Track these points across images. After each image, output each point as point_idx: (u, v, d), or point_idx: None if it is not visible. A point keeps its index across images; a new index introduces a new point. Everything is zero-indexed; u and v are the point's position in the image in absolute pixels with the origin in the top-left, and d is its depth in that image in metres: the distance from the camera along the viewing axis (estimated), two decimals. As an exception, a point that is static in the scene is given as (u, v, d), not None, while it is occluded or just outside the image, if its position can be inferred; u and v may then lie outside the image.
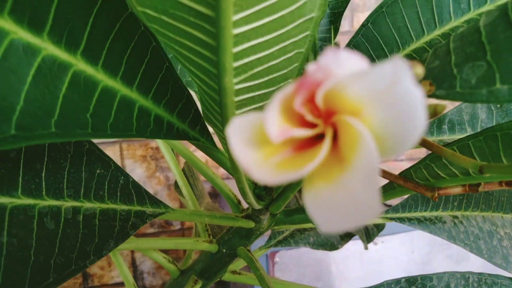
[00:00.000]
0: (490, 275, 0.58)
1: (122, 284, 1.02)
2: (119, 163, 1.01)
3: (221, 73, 0.23)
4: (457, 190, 0.37)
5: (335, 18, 0.42)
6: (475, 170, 0.29)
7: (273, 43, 0.23)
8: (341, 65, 0.14)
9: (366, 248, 0.74)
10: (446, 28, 0.37)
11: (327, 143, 0.15)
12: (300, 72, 0.26)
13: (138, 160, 1.19)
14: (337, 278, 1.15)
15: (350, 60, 0.14)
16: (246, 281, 0.52)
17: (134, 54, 0.26)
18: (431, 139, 0.51)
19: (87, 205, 0.33)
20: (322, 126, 0.16)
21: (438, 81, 0.21)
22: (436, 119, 0.52)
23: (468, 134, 0.50)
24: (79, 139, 0.28)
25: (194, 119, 0.31)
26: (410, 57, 0.33)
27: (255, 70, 0.24)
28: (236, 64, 0.23)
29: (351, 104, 0.14)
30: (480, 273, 0.57)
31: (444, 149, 0.32)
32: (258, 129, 0.15)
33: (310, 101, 0.15)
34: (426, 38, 0.35)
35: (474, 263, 1.29)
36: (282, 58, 0.24)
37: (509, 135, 0.29)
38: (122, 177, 0.35)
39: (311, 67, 0.14)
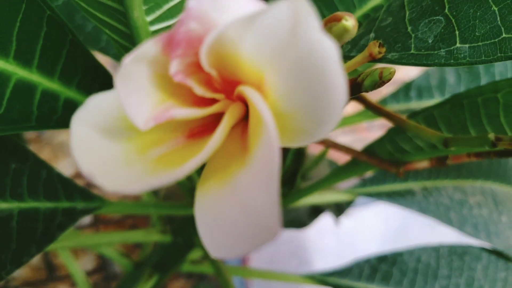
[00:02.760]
0: (461, 246, 0.57)
1: (90, 272, 0.99)
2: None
3: (128, 7, 0.18)
4: (424, 164, 0.34)
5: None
6: (440, 144, 0.26)
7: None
8: (225, 9, 0.09)
9: (337, 223, 0.72)
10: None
11: (222, 126, 0.10)
12: None
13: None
14: (312, 253, 1.14)
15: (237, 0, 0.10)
16: (207, 270, 0.48)
17: (24, 27, 0.21)
18: (397, 107, 0.48)
19: (2, 205, 0.28)
20: (224, 102, 0.12)
21: (390, 41, 0.18)
22: (403, 85, 0.49)
23: (436, 99, 0.47)
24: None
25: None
26: (366, 17, 0.29)
27: (169, 4, 0.19)
28: None
29: (250, 67, 0.10)
30: (451, 245, 0.56)
31: (407, 121, 0.28)
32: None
33: (200, 69, 0.11)
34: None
35: (449, 228, 1.30)
36: None
37: (476, 103, 0.26)
38: (44, 170, 0.30)
39: (182, 14, 0.09)
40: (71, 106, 0.24)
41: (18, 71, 0.22)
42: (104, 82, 0.26)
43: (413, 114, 0.30)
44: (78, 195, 0.31)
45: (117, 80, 0.09)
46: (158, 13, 0.20)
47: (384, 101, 0.46)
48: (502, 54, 0.15)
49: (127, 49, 0.22)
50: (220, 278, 0.39)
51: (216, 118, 0.12)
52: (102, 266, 0.99)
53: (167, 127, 0.11)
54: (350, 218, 1.21)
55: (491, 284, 0.54)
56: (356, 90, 0.16)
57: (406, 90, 0.45)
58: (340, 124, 0.56)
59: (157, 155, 0.11)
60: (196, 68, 0.11)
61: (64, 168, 0.93)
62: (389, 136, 0.34)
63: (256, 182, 0.09)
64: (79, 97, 0.25)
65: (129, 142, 0.11)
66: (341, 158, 0.55)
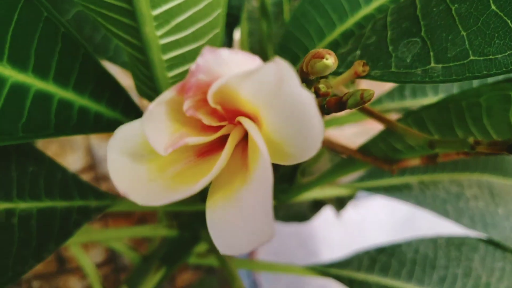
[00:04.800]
0: (458, 237, 0.58)
1: (99, 265, 1.01)
2: (85, 142, 0.98)
3: (140, 24, 0.20)
4: (415, 162, 0.36)
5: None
6: (425, 146, 0.28)
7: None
8: (226, 64, 0.12)
9: (338, 216, 0.74)
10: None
11: (226, 150, 0.13)
12: (224, 20, 0.25)
13: (106, 139, 1.15)
14: (319, 245, 1.16)
15: (235, 58, 0.12)
16: (213, 263, 0.51)
17: (42, 43, 0.23)
18: (392, 105, 0.50)
19: (22, 205, 0.30)
20: (228, 127, 0.14)
21: (373, 59, 0.19)
22: (398, 85, 0.50)
23: (430, 98, 0.48)
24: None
25: (126, 105, 0.29)
26: (358, 26, 0.31)
27: (178, 19, 0.22)
28: (155, 12, 0.21)
29: (248, 105, 0.12)
30: (448, 236, 0.58)
31: (395, 123, 0.30)
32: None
33: (207, 103, 0.13)
34: (376, 3, 0.32)
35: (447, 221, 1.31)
36: (203, 3, 0.22)
37: (460, 106, 0.27)
38: (60, 172, 0.32)
39: (192, 67, 0.12)
40: (85, 113, 0.26)
41: (36, 83, 0.24)
42: (113, 90, 0.28)
43: (404, 117, 0.32)
44: (91, 194, 0.34)
45: (144, 119, 0.12)
46: (167, 28, 0.22)
47: (380, 99, 0.48)
48: (470, 74, 0.17)
49: (139, 60, 0.25)
50: (226, 270, 0.41)
51: (221, 138, 0.14)
52: (111, 258, 1.02)
53: (181, 149, 0.13)
54: (357, 209, 1.23)
55: (488, 273, 0.55)
56: (341, 107, 0.18)
57: (400, 89, 0.47)
58: (346, 121, 0.57)
59: (174, 172, 0.13)
60: (203, 102, 0.13)
61: (72, 162, 0.95)
62: (382, 136, 0.35)
63: (255, 198, 0.12)
64: (91, 104, 0.27)
65: (151, 162, 0.13)
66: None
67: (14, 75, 0.23)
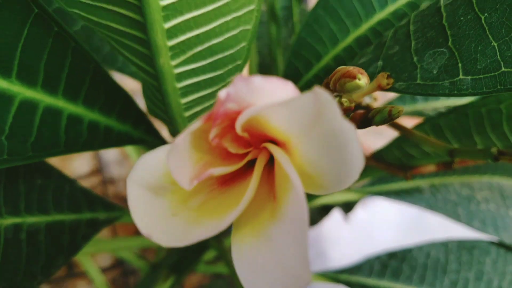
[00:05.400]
0: (469, 240, 0.58)
1: (108, 268, 1.01)
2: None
3: (155, 54, 0.20)
4: (430, 168, 0.36)
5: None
6: (445, 155, 0.27)
7: (210, 18, 0.19)
8: (258, 93, 0.11)
9: (346, 220, 0.73)
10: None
11: (254, 181, 0.12)
12: (249, 53, 0.23)
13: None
14: (328, 245, 1.16)
15: (268, 86, 0.11)
16: (222, 270, 0.50)
17: (51, 58, 0.22)
18: (404, 108, 0.49)
19: (30, 220, 0.30)
20: (253, 152, 0.13)
21: (397, 71, 0.19)
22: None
23: (442, 101, 0.47)
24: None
25: (137, 118, 0.28)
26: (373, 31, 0.30)
27: (195, 50, 0.21)
28: (170, 42, 0.20)
29: (279, 133, 0.11)
30: (459, 239, 0.57)
31: (414, 132, 0.29)
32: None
33: (233, 129, 0.12)
34: (391, 8, 0.31)
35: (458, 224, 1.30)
36: (226, 36, 0.21)
37: (480, 113, 0.27)
38: (68, 184, 0.31)
39: (221, 94, 0.11)
40: (95, 128, 0.26)
41: (45, 99, 0.23)
42: (124, 103, 0.27)
43: (421, 124, 0.31)
44: (99, 206, 0.33)
45: (169, 153, 0.11)
46: (182, 58, 0.21)
47: (391, 103, 0.47)
48: (502, 87, 0.16)
49: (152, 85, 0.24)
50: (236, 278, 0.41)
51: (245, 164, 0.13)
52: (120, 262, 1.01)
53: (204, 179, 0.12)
54: (366, 210, 1.21)
55: (500, 277, 0.54)
56: (366, 123, 0.17)
57: (412, 92, 0.46)
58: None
59: (198, 203, 0.12)
60: (229, 129, 0.12)
61: (79, 167, 0.95)
62: (397, 142, 0.35)
63: (288, 237, 0.10)
64: (101, 118, 0.26)
65: (173, 194, 0.12)
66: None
67: (22, 92, 0.22)
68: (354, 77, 0.15)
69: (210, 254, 0.52)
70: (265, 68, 0.48)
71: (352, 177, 0.10)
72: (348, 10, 0.31)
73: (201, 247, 0.46)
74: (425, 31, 0.18)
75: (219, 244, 0.43)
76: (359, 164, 0.10)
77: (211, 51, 0.21)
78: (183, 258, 0.47)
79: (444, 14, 0.18)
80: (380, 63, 0.20)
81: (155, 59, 0.19)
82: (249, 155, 0.13)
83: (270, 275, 0.11)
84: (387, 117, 0.17)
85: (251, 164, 0.13)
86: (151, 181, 0.12)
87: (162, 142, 0.31)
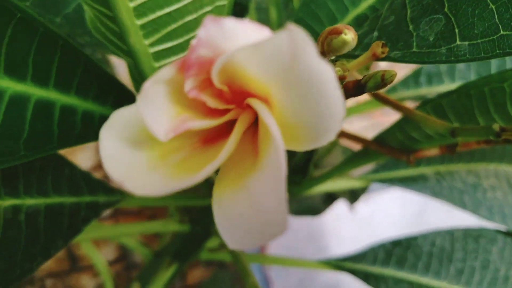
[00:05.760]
0: (475, 228, 0.57)
1: (111, 262, 1.01)
2: (95, 141, 0.98)
3: (124, 33, 0.19)
4: (434, 152, 0.35)
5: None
6: (447, 134, 0.27)
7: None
8: (232, 37, 0.11)
9: (352, 209, 0.72)
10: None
11: (234, 135, 0.12)
12: None
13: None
14: (330, 239, 1.15)
15: (242, 28, 0.11)
16: (225, 258, 0.50)
17: (39, 54, 0.22)
18: (407, 93, 0.48)
19: (29, 201, 0.30)
20: (236, 111, 0.13)
21: (392, 40, 0.18)
22: (413, 71, 0.49)
23: (446, 85, 0.47)
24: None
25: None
26: (373, 9, 0.29)
27: (169, 28, 0.20)
28: (140, 21, 0.19)
29: (258, 84, 0.11)
30: (465, 228, 0.56)
31: (415, 112, 0.29)
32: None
33: (213, 84, 0.12)
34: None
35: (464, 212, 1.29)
36: (200, 12, 0.21)
37: (483, 93, 0.26)
38: (67, 167, 0.31)
39: (193, 41, 0.11)
40: (89, 120, 0.25)
41: (36, 92, 0.23)
42: (118, 91, 0.27)
43: (422, 104, 0.31)
44: (99, 190, 0.33)
45: (139, 100, 0.11)
46: (157, 36, 0.21)
47: (394, 88, 0.46)
48: (500, 51, 0.16)
49: (133, 65, 0.23)
50: (238, 266, 0.41)
51: (229, 123, 0.13)
52: (123, 256, 1.02)
53: (184, 135, 0.12)
54: (367, 204, 1.21)
55: (507, 266, 0.54)
56: (360, 90, 0.17)
57: (415, 76, 0.46)
58: (355, 111, 0.56)
59: (177, 160, 0.12)
60: (208, 83, 0.12)
61: (82, 160, 0.95)
62: (399, 125, 0.34)
63: (267, 186, 0.10)
64: (96, 107, 0.26)
65: (151, 150, 0.12)
66: (355, 144, 0.55)
67: (12, 86, 0.22)
68: (340, 33, 0.14)
69: (214, 242, 0.52)
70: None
71: (333, 126, 0.10)
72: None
73: (204, 233, 0.46)
74: (421, -2, 0.18)
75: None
76: (340, 111, 0.09)
77: (186, 28, 0.21)
78: (186, 245, 0.47)
79: (441, -20, 0.17)
80: (375, 33, 0.19)
81: (126, 38, 0.19)
82: (231, 112, 0.13)
83: (248, 223, 0.11)
84: (380, 82, 0.16)
85: (235, 124, 0.13)
86: (127, 134, 0.12)
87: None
